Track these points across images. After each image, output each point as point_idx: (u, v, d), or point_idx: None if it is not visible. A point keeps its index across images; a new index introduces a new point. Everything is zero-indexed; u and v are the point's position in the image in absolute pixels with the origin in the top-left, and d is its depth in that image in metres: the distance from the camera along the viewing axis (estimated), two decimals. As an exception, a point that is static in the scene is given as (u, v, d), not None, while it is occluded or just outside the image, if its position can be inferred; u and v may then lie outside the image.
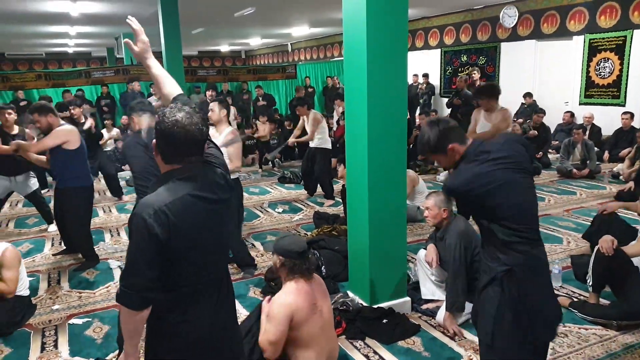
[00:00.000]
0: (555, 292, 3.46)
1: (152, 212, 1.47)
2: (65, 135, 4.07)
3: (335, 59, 15.39)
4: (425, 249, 3.33)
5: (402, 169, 3.22)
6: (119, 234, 5.28)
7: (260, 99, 10.60)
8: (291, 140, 6.68)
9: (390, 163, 3.12)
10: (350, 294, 3.38)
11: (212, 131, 4.18)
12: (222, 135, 4.01)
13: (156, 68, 1.85)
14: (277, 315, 2.24)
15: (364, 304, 3.23)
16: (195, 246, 1.58)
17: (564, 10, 9.25)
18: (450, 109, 8.48)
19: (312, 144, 6.19)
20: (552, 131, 8.49)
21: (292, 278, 2.34)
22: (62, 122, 4.25)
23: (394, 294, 3.25)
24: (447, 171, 7.15)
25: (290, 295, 2.29)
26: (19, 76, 10.74)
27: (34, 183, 5.16)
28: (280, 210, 5.96)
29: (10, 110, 5.13)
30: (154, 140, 1.59)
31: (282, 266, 2.32)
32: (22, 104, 9.41)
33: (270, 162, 8.63)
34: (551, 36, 9.58)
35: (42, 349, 3.13)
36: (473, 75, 7.69)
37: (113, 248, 4.84)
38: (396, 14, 2.99)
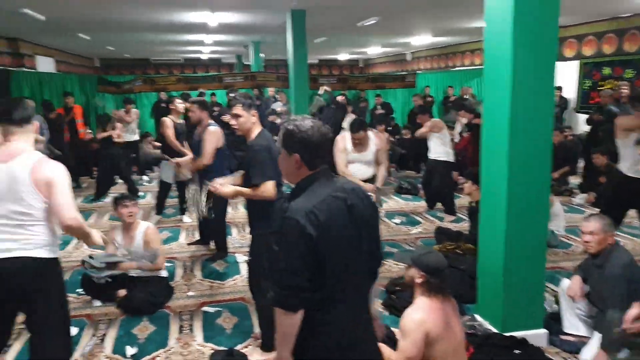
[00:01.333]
0: None
1: (303, 213, 1.56)
2: (218, 138, 4.48)
3: (458, 68, 14.90)
4: (570, 278, 3.06)
5: (546, 189, 3.00)
6: (244, 230, 5.58)
7: (379, 107, 10.60)
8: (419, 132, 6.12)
9: (533, 183, 2.92)
10: (479, 317, 3.21)
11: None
12: None
13: None
14: (412, 333, 2.19)
15: (494, 331, 3.04)
16: (339, 245, 1.63)
17: None
18: (590, 126, 7.75)
19: (432, 155, 5.99)
20: None
21: (428, 295, 2.27)
22: (210, 121, 4.63)
23: (529, 324, 3.02)
24: (585, 194, 6.54)
25: (423, 312, 2.23)
26: (162, 79, 11.91)
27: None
28: (398, 221, 5.88)
29: (180, 100, 5.85)
30: (296, 155, 1.67)
31: (422, 282, 2.26)
32: (163, 105, 10.43)
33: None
34: None
35: (180, 331, 3.41)
36: (621, 90, 6.88)
37: (240, 243, 5.13)
38: (546, 22, 2.79)
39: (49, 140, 6.78)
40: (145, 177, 8.74)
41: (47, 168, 2.29)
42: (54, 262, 2.38)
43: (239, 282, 4.22)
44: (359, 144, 4.33)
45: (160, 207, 6.04)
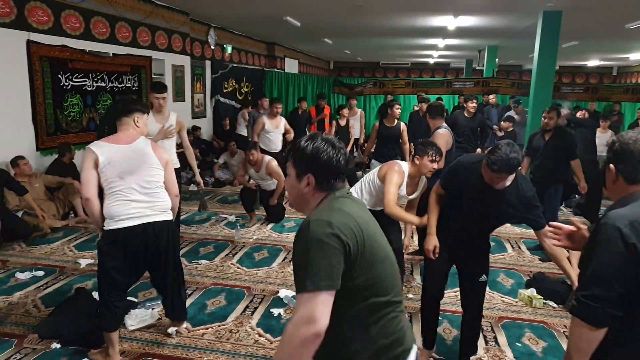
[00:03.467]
0: None
1: (627, 222, 1.40)
2: (447, 140, 4.44)
3: None
4: None
5: None
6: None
7: (641, 123, 8.95)
8: None
9: None
10: None
11: None
12: None
13: None
14: None
15: None
16: None
17: None
18: None
19: None
20: None
21: None
22: (443, 123, 4.62)
23: None
24: None
25: None
26: (391, 83, 12.28)
27: None
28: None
29: (398, 105, 6.02)
30: (610, 165, 1.53)
31: None
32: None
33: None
34: None
35: (400, 331, 3.40)
36: None
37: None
38: None
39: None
40: (359, 174, 9.20)
41: (162, 150, 2.93)
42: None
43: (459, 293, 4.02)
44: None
45: None
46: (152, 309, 3.55)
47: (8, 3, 5.18)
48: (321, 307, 1.27)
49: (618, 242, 1.39)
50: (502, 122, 7.62)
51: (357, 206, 1.50)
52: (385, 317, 1.43)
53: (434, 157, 3.33)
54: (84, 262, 4.48)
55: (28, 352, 3.01)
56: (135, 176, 2.70)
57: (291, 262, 4.69)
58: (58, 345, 3.07)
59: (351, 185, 7.69)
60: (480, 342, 3.29)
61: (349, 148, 7.57)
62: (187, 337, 3.24)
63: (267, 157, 5.51)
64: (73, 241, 5.12)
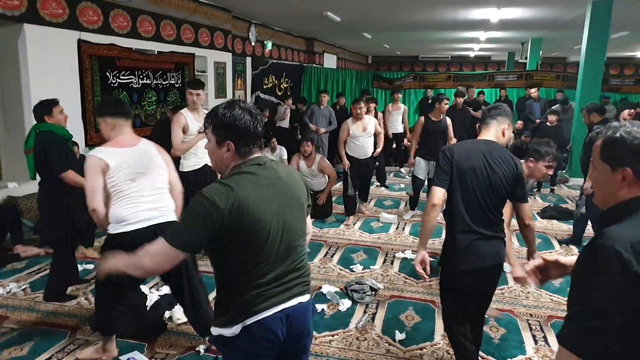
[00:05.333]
0: None
1: (628, 245, 1.19)
2: None
3: None
4: None
5: None
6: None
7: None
8: None
9: None
10: None
11: None
12: None
13: None
14: None
15: None
16: None
17: None
18: None
19: None
20: None
21: None
22: None
23: None
24: None
25: None
26: (432, 76, 12.08)
27: None
28: None
29: (446, 100, 5.99)
30: (626, 170, 1.29)
31: None
32: (429, 101, 10.58)
33: None
34: None
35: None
36: None
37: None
38: None
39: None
40: (403, 170, 9.15)
41: (163, 150, 2.87)
42: None
43: (506, 292, 3.95)
44: None
45: (414, 203, 6.14)
46: (199, 301, 3.62)
47: (61, 4, 5.39)
48: (162, 258, 1.57)
49: (618, 268, 1.20)
50: (547, 115, 7.38)
51: (254, 184, 1.59)
52: (250, 281, 1.60)
53: (550, 163, 2.89)
54: (132, 254, 4.62)
55: (81, 343, 3.11)
56: (147, 177, 2.66)
57: (332, 258, 4.70)
58: (110, 335, 3.17)
59: (380, 181, 7.62)
60: (530, 341, 3.23)
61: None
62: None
63: (319, 155, 5.53)
64: (121, 234, 5.29)
